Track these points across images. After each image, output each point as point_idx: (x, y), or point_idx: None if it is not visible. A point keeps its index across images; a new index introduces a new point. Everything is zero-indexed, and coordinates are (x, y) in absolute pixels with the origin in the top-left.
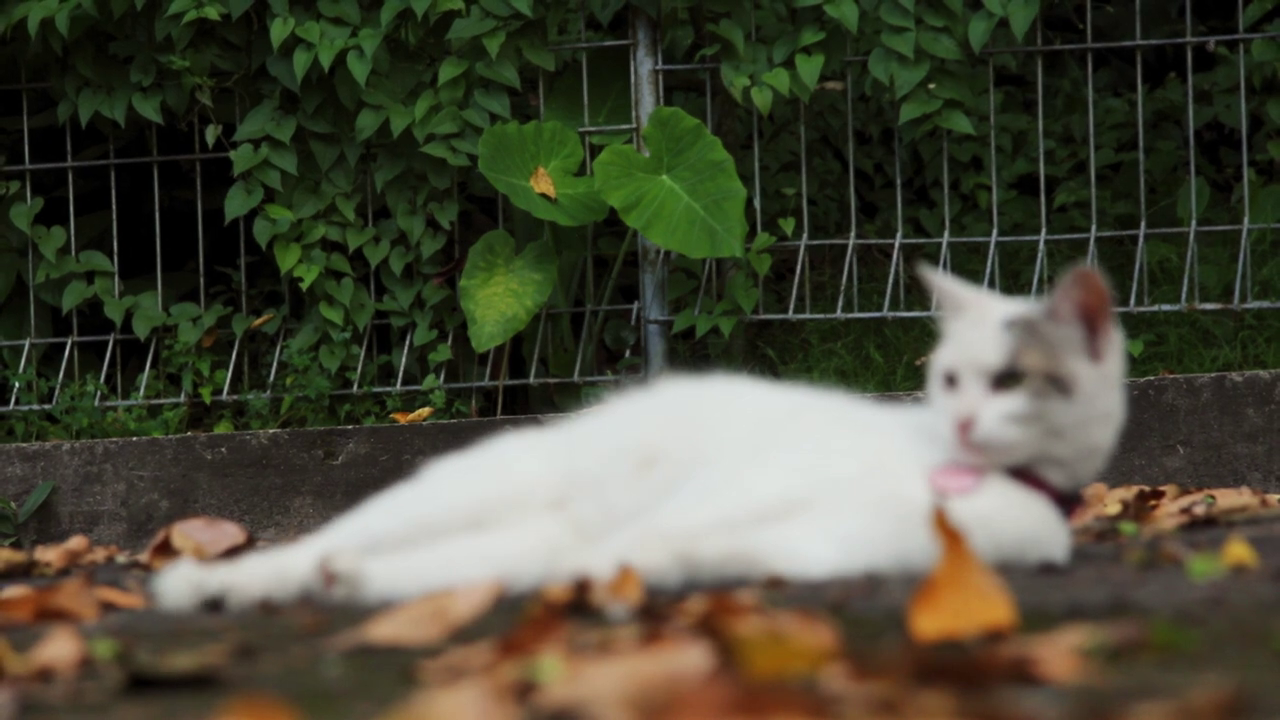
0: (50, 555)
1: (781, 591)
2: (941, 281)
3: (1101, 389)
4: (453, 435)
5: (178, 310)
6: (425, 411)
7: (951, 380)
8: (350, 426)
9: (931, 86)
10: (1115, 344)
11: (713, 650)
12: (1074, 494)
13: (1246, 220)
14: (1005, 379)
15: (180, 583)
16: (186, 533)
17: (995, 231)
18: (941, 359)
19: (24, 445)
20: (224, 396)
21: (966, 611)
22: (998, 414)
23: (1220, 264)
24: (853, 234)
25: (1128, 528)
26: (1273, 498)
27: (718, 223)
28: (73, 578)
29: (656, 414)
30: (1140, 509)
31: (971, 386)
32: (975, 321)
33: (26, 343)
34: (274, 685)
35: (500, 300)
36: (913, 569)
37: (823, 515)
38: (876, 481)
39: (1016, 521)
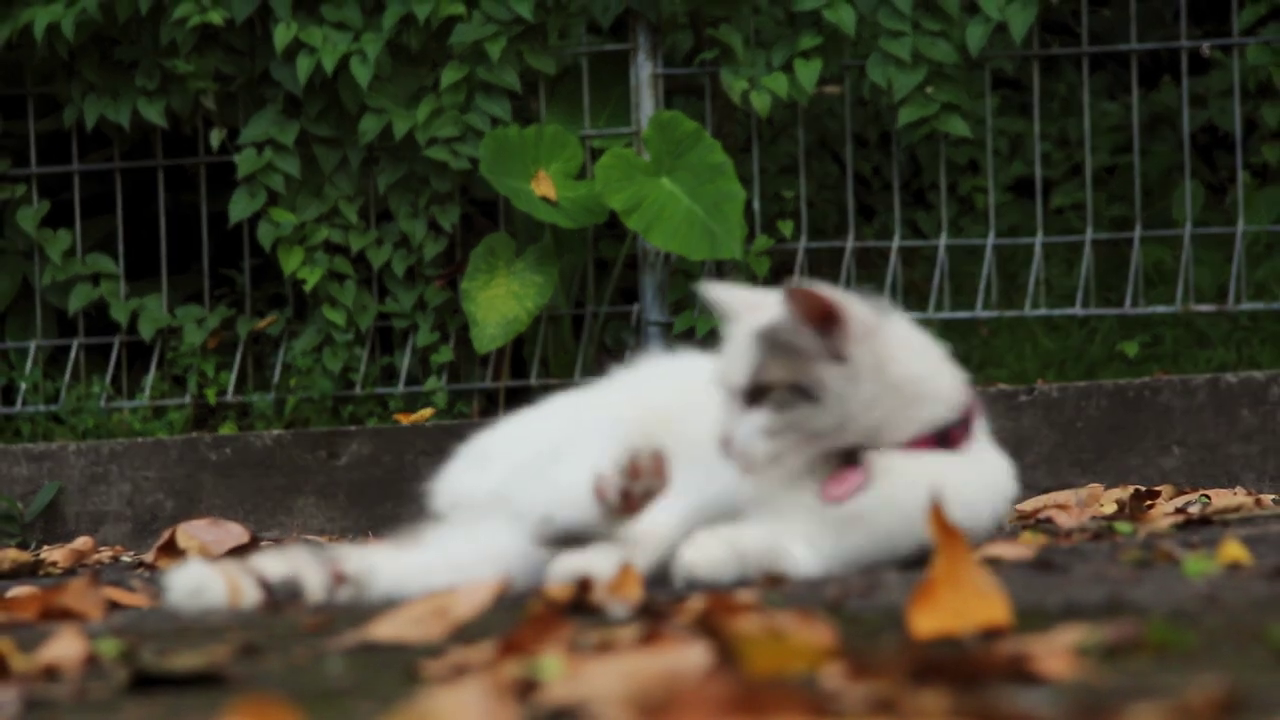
0: (56, 555)
1: (780, 590)
2: (713, 293)
3: (853, 386)
4: (455, 436)
5: (182, 312)
6: (427, 412)
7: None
8: (353, 427)
9: (929, 90)
10: (860, 336)
11: (712, 649)
12: (945, 427)
13: (1241, 223)
14: (754, 394)
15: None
16: (191, 532)
17: (992, 234)
18: (713, 375)
19: (31, 446)
20: (228, 398)
21: (964, 610)
22: (749, 430)
23: (1215, 266)
24: (851, 236)
25: (1124, 527)
26: (1267, 497)
27: (717, 225)
28: (79, 577)
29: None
30: (1136, 509)
31: (728, 404)
32: (735, 335)
33: (33, 344)
34: (278, 684)
35: (502, 302)
36: (887, 559)
37: (803, 516)
38: None
39: (944, 488)
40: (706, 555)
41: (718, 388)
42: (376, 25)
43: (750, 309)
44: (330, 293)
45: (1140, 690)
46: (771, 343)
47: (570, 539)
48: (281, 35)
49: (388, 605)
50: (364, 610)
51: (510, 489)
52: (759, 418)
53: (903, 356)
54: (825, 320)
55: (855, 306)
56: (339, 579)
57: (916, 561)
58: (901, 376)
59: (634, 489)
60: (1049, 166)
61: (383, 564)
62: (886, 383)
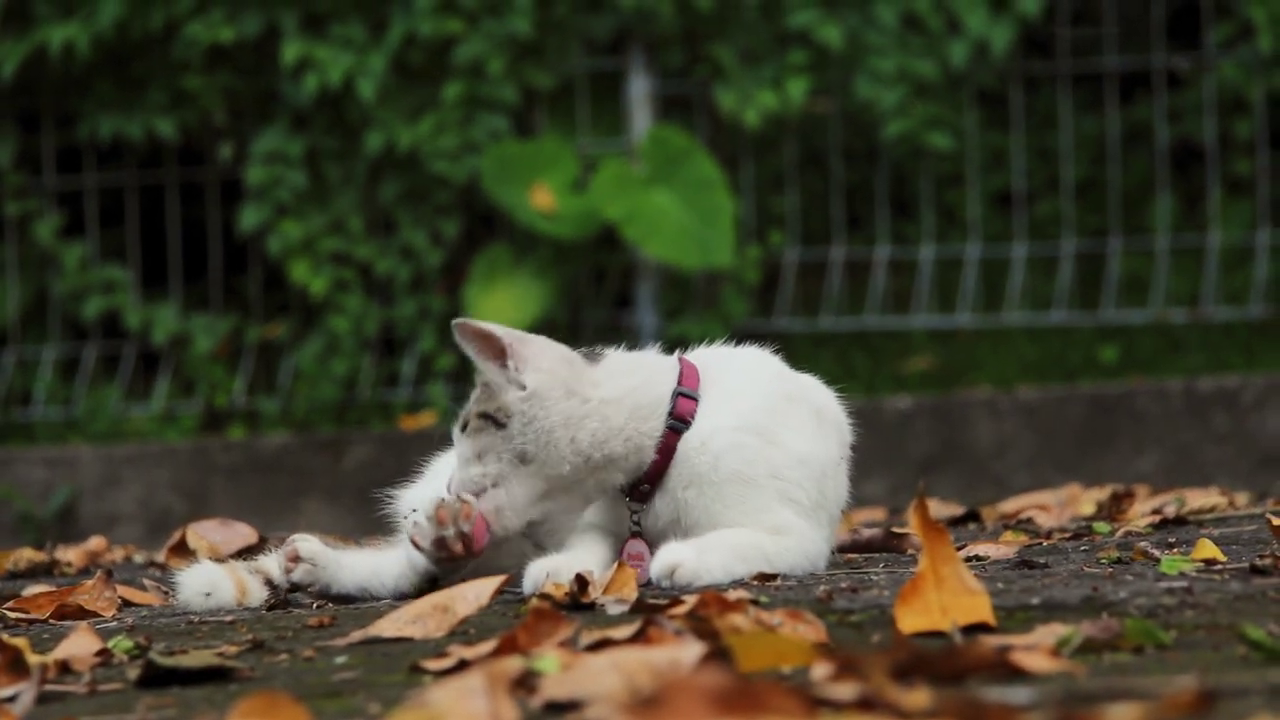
0: (71, 555)
1: (770, 589)
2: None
3: (540, 408)
4: None
5: (194, 320)
6: (430, 417)
7: None
8: (358, 432)
9: (914, 106)
10: (529, 366)
11: (706, 646)
12: (673, 413)
13: (1219, 233)
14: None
15: None
16: (201, 533)
17: (975, 244)
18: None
19: (47, 450)
20: (237, 403)
21: (948, 608)
22: (457, 469)
23: (1190, 275)
24: (838, 246)
25: (1102, 527)
26: (1240, 497)
27: (709, 235)
28: (92, 577)
29: None
30: (1114, 509)
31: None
32: None
33: (49, 351)
34: (285, 680)
35: (502, 309)
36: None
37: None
38: None
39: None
40: (716, 561)
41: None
42: (380, 43)
43: None
44: (336, 301)
45: (1120, 685)
46: (478, 390)
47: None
48: (289, 53)
49: (364, 598)
50: (367, 609)
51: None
52: (457, 448)
53: (612, 378)
54: (492, 354)
55: (521, 337)
56: (293, 559)
57: (904, 560)
58: (614, 393)
59: (446, 536)
60: (1030, 179)
61: (351, 560)
62: (597, 402)
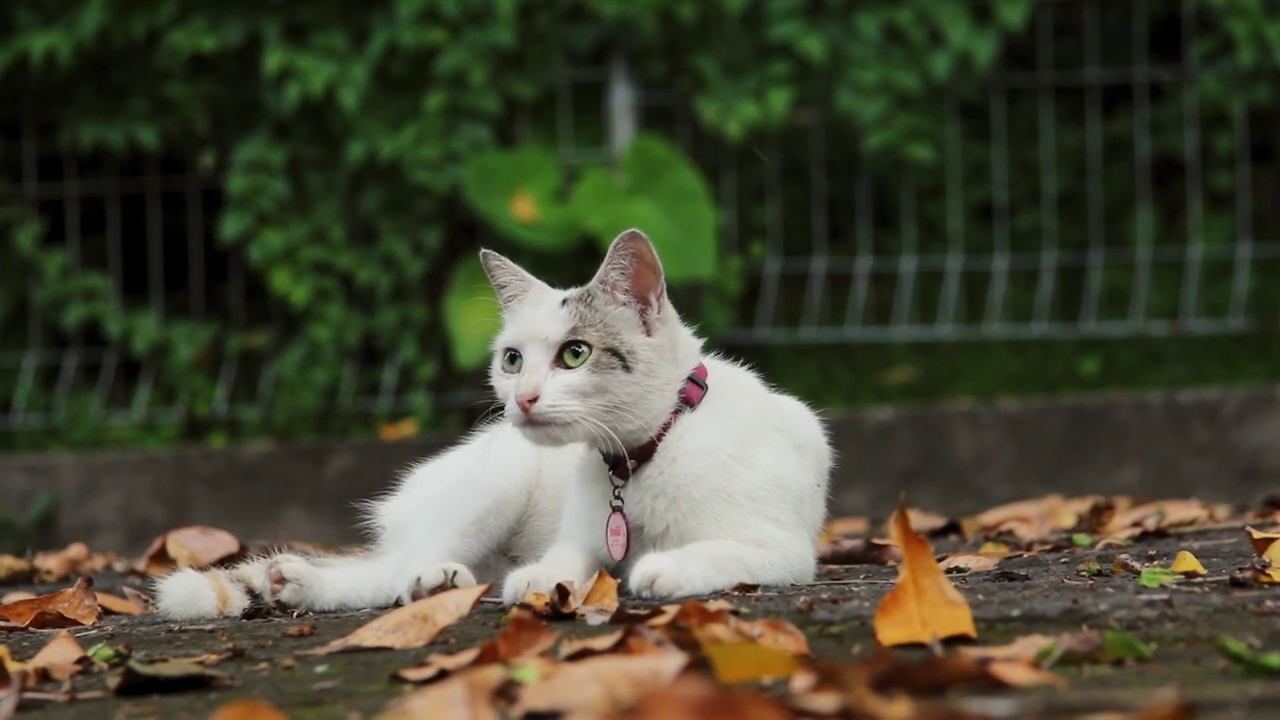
0: (51, 563)
1: (750, 600)
2: (507, 263)
3: (657, 361)
4: (437, 450)
5: (174, 328)
6: (410, 426)
7: (515, 360)
8: (339, 441)
9: (896, 118)
10: (668, 319)
11: (687, 656)
12: (683, 395)
13: (1200, 246)
14: (564, 353)
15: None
16: (181, 541)
17: (956, 256)
18: (503, 337)
19: (27, 458)
20: (219, 411)
21: (929, 620)
22: (560, 386)
23: (1170, 288)
24: (820, 258)
25: (1082, 539)
26: (1220, 510)
27: (691, 246)
28: (72, 585)
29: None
30: (1094, 521)
31: (534, 362)
32: (536, 302)
33: (29, 359)
34: (265, 688)
35: (483, 320)
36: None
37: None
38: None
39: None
40: (697, 570)
41: (508, 347)
42: (363, 52)
43: (543, 285)
44: (318, 310)
45: (1100, 698)
46: (588, 305)
47: None
48: (271, 62)
49: (343, 609)
50: (347, 618)
51: (408, 523)
52: (573, 375)
53: (679, 346)
54: (647, 284)
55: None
56: (278, 579)
57: (884, 572)
58: (674, 374)
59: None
60: (1012, 191)
61: (332, 575)
62: (670, 375)
